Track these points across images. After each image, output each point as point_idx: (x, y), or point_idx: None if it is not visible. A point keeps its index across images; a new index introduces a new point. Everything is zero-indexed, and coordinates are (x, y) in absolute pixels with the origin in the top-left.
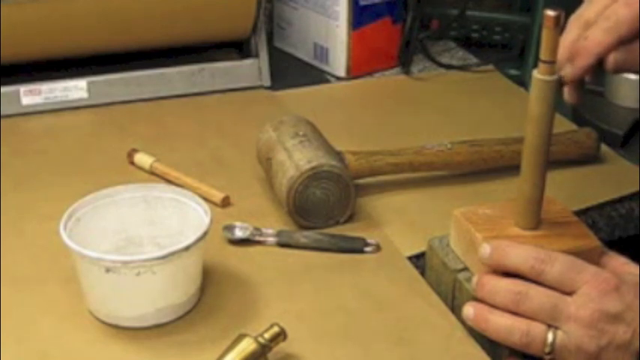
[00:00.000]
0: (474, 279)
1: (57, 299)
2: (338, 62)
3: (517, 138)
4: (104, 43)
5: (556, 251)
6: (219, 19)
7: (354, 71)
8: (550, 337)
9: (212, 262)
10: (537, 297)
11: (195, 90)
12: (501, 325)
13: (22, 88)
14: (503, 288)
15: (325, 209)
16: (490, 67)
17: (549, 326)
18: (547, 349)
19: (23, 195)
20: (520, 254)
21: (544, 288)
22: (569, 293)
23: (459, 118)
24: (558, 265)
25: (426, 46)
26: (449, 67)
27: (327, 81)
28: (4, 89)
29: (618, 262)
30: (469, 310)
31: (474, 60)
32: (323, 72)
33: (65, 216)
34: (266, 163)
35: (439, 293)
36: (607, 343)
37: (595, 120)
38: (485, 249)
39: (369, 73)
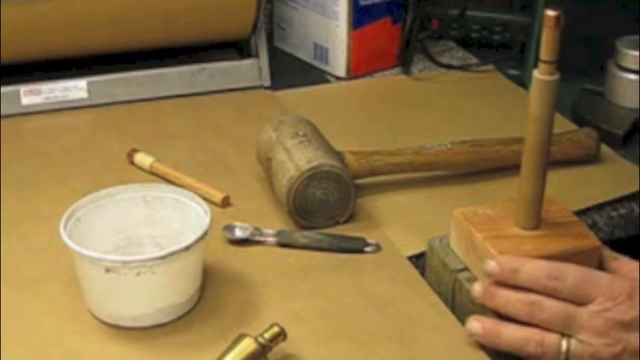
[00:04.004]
0: (477, 286)
1: (57, 299)
2: (338, 62)
3: (517, 138)
4: (104, 43)
5: (567, 265)
6: (219, 19)
7: (354, 71)
8: (564, 345)
9: (212, 262)
10: (551, 307)
11: (196, 90)
12: (516, 337)
13: (22, 88)
14: (515, 299)
15: (325, 209)
16: (490, 67)
17: (563, 335)
18: (562, 358)
19: (23, 195)
20: (531, 273)
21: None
22: (584, 304)
23: (459, 118)
24: (570, 280)
25: (426, 46)
26: (449, 67)
27: (327, 81)
28: (4, 89)
29: (630, 267)
30: (475, 325)
31: (474, 60)
32: (323, 72)
33: (65, 216)
34: (266, 163)
35: (439, 293)
36: (621, 350)
37: (595, 120)
38: (494, 267)
39: (369, 73)
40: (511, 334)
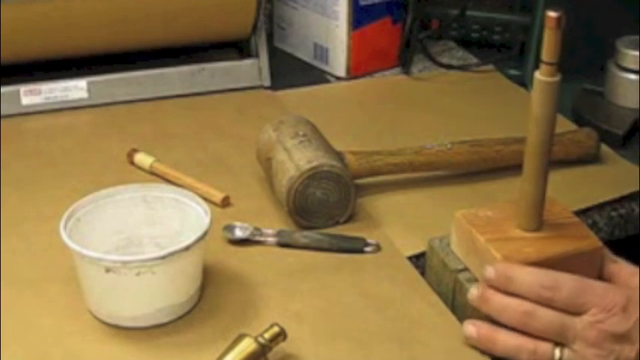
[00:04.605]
0: (474, 290)
1: (57, 299)
2: (338, 62)
3: (517, 138)
4: (104, 43)
5: (563, 275)
6: (219, 19)
7: (354, 71)
8: (557, 354)
9: (212, 262)
10: (544, 317)
11: (195, 90)
12: (509, 345)
13: (22, 88)
14: (510, 306)
15: (325, 209)
16: (490, 67)
17: (557, 344)
18: None
19: (23, 195)
20: (526, 282)
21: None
22: (578, 314)
23: (459, 118)
24: (565, 291)
25: (426, 46)
26: (449, 67)
27: (327, 81)
28: (4, 89)
29: (627, 272)
30: (470, 329)
31: (474, 60)
32: (323, 72)
33: (65, 216)
34: (266, 163)
35: (439, 293)
36: None
37: (595, 120)
38: (491, 273)
39: (369, 73)
40: (505, 341)
